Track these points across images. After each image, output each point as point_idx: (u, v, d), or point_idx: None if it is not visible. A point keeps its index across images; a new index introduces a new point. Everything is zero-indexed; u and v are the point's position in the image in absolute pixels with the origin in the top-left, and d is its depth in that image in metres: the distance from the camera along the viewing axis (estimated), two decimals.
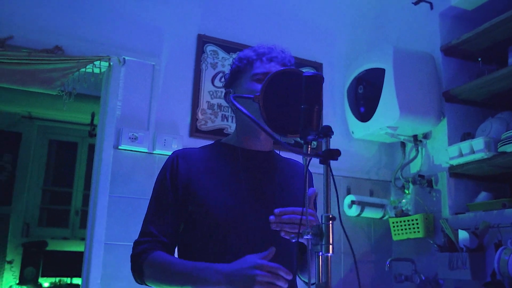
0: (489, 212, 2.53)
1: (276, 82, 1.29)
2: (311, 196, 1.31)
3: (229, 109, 2.72)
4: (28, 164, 5.90)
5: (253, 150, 1.48)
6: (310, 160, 1.18)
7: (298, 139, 1.20)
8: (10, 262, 5.69)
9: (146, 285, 1.39)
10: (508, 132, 2.50)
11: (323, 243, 1.07)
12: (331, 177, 1.09)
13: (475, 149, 2.59)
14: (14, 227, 5.78)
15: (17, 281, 5.65)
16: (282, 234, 1.22)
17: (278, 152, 1.55)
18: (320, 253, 1.07)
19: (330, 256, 1.06)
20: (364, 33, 3.30)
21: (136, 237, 1.42)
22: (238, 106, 1.23)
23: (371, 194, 3.07)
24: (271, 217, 1.22)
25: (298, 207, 1.24)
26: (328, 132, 1.12)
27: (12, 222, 5.78)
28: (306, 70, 1.22)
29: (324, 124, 2.98)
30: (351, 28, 3.29)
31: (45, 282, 5.73)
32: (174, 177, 1.41)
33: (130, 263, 1.40)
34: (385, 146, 3.20)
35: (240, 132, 1.49)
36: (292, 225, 1.21)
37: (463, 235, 2.50)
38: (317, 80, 1.16)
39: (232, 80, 1.51)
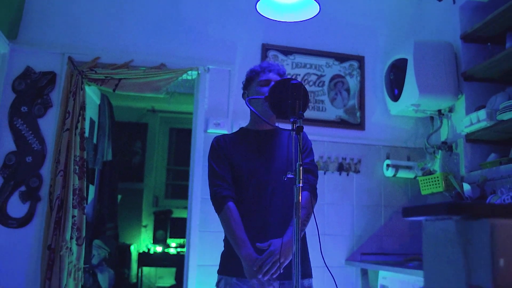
0: (491, 169, 3.17)
1: (276, 87, 2.16)
2: None
3: None
4: (154, 149, 7.30)
5: (261, 130, 2.34)
6: (294, 132, 2.04)
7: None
8: (145, 226, 7.15)
9: (219, 215, 2.21)
10: (505, 103, 3.11)
11: (297, 178, 1.95)
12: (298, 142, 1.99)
13: (480, 118, 3.21)
14: (147, 199, 7.24)
15: (151, 241, 7.09)
16: (265, 277, 2.03)
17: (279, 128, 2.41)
18: (297, 185, 1.94)
19: (300, 186, 1.92)
20: (400, 28, 3.99)
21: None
22: (250, 107, 2.14)
23: (408, 159, 3.80)
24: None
25: (270, 250, 2.04)
26: (301, 116, 1.98)
27: (145, 195, 7.25)
28: (294, 79, 2.08)
29: (367, 102, 3.79)
30: (388, 25, 4.00)
31: (172, 242, 7.10)
32: (221, 150, 2.31)
33: (211, 197, 2.23)
34: (422, 120, 3.88)
35: (253, 120, 2.38)
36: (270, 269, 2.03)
37: (466, 187, 3.18)
38: (298, 85, 2.02)
39: (247, 85, 2.39)
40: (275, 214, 2.19)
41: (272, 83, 2.28)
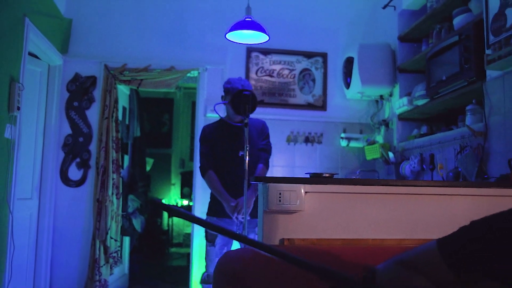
0: (409, 141, 4.32)
1: (235, 96, 3.36)
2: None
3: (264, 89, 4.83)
4: (179, 119, 8.62)
5: (232, 122, 3.56)
6: (245, 126, 3.27)
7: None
8: (174, 184, 8.56)
9: (204, 178, 3.57)
10: (418, 92, 4.21)
11: (245, 155, 3.19)
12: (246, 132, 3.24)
13: (404, 103, 4.35)
14: (175, 162, 8.62)
15: (179, 196, 8.53)
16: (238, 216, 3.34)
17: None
18: (245, 158, 3.18)
19: (247, 160, 3.17)
20: (356, 29, 5.08)
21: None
22: (216, 111, 3.37)
23: (361, 132, 4.97)
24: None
25: (239, 204, 3.31)
26: (248, 115, 3.20)
27: (173, 159, 8.62)
28: (246, 91, 3.29)
29: (328, 89, 4.95)
30: (347, 27, 5.10)
31: None
32: (207, 136, 3.57)
33: (199, 167, 3.52)
34: (372, 102, 5.02)
35: (228, 115, 3.61)
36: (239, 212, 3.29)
37: (391, 155, 4.36)
38: (248, 94, 3.23)
39: (225, 94, 3.61)
40: (238, 177, 3.35)
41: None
